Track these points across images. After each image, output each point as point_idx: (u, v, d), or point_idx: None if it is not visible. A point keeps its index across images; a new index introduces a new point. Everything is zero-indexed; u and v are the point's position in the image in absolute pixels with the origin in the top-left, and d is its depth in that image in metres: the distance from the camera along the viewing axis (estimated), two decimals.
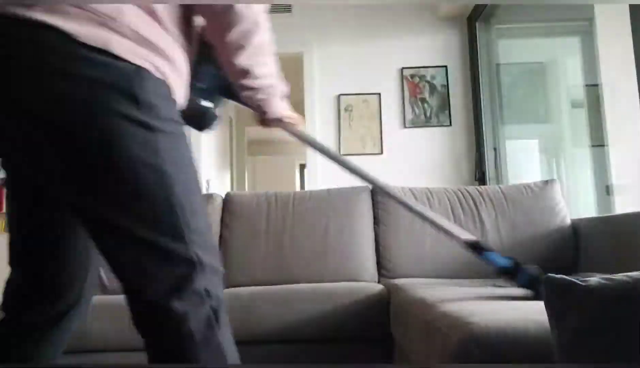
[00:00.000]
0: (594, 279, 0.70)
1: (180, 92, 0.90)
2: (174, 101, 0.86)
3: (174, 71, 0.86)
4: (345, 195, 2.25)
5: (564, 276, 0.72)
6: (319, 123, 3.99)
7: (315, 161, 3.94)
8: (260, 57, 0.96)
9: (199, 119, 1.14)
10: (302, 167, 7.94)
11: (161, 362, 0.80)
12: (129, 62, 0.77)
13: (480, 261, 2.10)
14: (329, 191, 2.28)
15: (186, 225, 0.80)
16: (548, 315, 0.73)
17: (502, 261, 1.32)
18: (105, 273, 2.13)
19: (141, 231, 0.78)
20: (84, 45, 0.73)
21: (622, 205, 2.80)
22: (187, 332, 0.77)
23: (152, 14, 0.81)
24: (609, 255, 1.87)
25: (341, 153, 4.07)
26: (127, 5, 0.78)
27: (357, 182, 2.48)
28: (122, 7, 0.77)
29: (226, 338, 0.83)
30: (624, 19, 2.40)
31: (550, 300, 0.73)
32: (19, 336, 0.93)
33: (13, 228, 0.95)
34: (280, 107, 1.12)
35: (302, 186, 8.20)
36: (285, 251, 2.11)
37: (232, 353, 0.84)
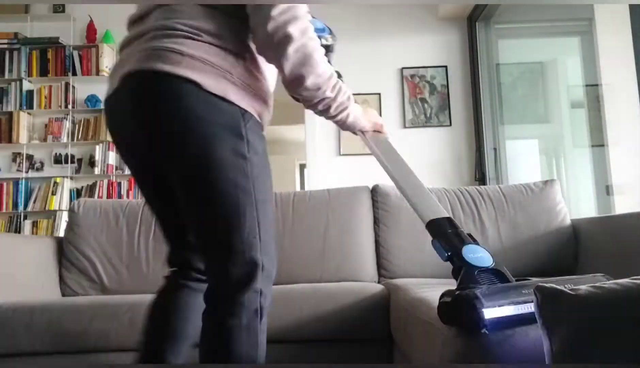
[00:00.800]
0: (584, 288, 0.70)
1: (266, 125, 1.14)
2: (264, 137, 1.09)
3: (266, 110, 1.10)
4: (345, 195, 2.25)
5: (554, 286, 0.72)
6: (319, 123, 3.99)
7: (315, 161, 3.94)
8: (328, 95, 1.11)
9: None
10: (302, 167, 7.94)
11: (210, 332, 1.01)
12: (239, 107, 1.01)
13: None
14: (329, 191, 2.28)
15: (259, 237, 1.03)
16: (539, 324, 0.73)
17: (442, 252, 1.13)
18: (105, 273, 2.14)
19: (227, 236, 1.01)
20: (209, 92, 0.97)
21: (622, 205, 2.80)
22: (238, 315, 1.00)
23: (257, 68, 1.07)
24: (609, 255, 1.87)
25: (341, 153, 4.07)
26: (238, 59, 1.02)
27: (357, 182, 2.48)
28: (235, 62, 1.02)
29: (263, 331, 1.06)
30: (624, 19, 2.40)
31: (541, 309, 0.72)
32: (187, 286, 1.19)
33: (152, 209, 1.24)
34: (358, 123, 1.28)
35: (302, 186, 8.20)
36: (285, 251, 2.11)
37: (263, 346, 1.06)
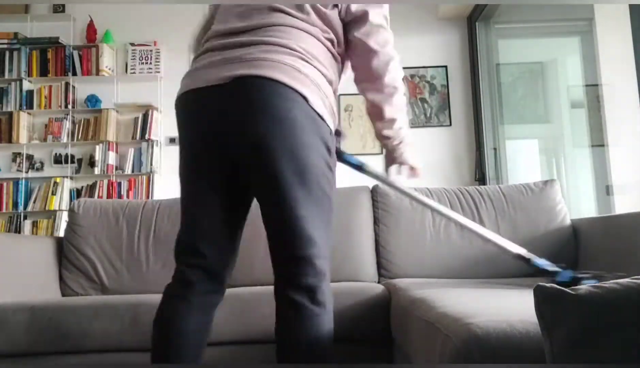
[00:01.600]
0: (584, 287, 0.70)
1: None
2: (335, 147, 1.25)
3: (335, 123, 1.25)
4: (345, 195, 2.24)
5: (554, 285, 0.71)
6: None
7: None
8: (400, 110, 1.33)
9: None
10: None
11: (305, 320, 1.16)
12: (326, 123, 1.16)
13: (480, 261, 2.10)
14: None
15: (329, 242, 1.22)
16: (539, 325, 0.72)
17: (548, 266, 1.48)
18: (105, 273, 2.14)
19: (318, 231, 1.19)
20: (312, 108, 1.12)
21: (622, 205, 2.80)
22: (324, 302, 1.20)
23: (335, 90, 1.24)
24: (609, 255, 1.87)
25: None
26: (332, 88, 1.20)
27: (357, 182, 2.48)
28: (330, 89, 1.19)
29: (331, 325, 1.22)
30: (624, 19, 2.40)
31: (541, 309, 0.72)
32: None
33: (192, 212, 1.25)
34: (408, 157, 1.37)
35: None
36: None
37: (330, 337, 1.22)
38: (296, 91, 1.10)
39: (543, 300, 0.72)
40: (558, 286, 0.71)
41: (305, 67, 1.13)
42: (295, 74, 1.11)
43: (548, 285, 0.72)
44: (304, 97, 1.11)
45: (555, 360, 0.68)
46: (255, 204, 1.24)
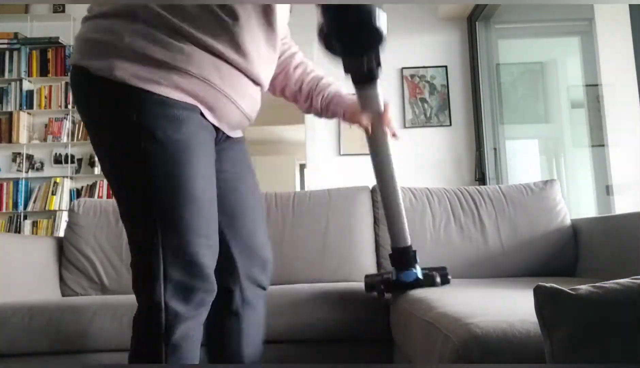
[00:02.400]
0: (584, 287, 0.69)
1: None
2: (176, 117, 1.01)
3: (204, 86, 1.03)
4: (345, 195, 2.25)
5: (554, 285, 0.71)
6: (318, 123, 3.98)
7: (315, 161, 3.94)
8: None
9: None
10: (302, 167, 7.94)
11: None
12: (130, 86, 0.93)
13: (480, 261, 2.10)
14: (329, 191, 2.28)
15: (144, 233, 0.97)
16: (540, 325, 0.72)
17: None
18: (105, 273, 2.14)
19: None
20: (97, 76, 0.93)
21: (622, 205, 2.80)
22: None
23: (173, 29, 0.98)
24: (609, 255, 1.87)
25: (341, 153, 4.07)
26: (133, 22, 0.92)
27: (357, 182, 2.48)
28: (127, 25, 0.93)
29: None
30: (624, 19, 2.40)
31: (541, 309, 0.72)
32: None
33: None
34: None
35: (302, 186, 8.20)
36: (285, 252, 2.11)
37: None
38: (76, 67, 0.97)
39: (543, 300, 0.71)
40: (557, 287, 0.71)
41: (82, 30, 0.99)
42: (76, 45, 0.99)
43: (548, 285, 0.72)
44: (81, 68, 0.95)
45: (556, 360, 0.68)
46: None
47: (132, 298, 1.00)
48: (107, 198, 4.15)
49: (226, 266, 1.12)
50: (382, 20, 0.99)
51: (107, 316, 1.65)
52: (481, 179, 3.82)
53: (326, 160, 4.07)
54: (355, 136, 3.84)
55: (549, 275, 1.99)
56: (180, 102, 0.94)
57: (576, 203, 3.37)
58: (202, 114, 0.99)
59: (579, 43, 3.42)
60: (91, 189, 4.21)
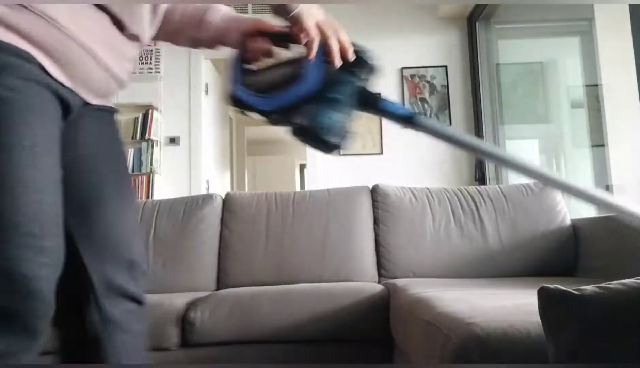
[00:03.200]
0: (589, 288, 0.69)
1: None
2: None
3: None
4: (345, 195, 2.25)
5: (558, 286, 0.71)
6: None
7: (315, 161, 3.94)
8: None
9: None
10: (302, 167, 7.94)
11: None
12: None
13: (480, 261, 2.10)
14: (329, 191, 2.28)
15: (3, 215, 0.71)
16: (543, 326, 0.72)
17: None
18: None
19: None
20: None
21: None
22: None
23: None
24: (609, 254, 1.87)
25: (341, 153, 4.07)
26: None
27: (357, 182, 2.48)
28: None
29: None
30: (624, 19, 2.40)
31: (545, 311, 0.72)
32: None
33: None
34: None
35: (302, 186, 8.20)
36: (285, 251, 2.11)
37: None
38: None
39: (547, 302, 0.71)
40: (562, 288, 0.70)
41: None
42: None
43: (552, 286, 0.71)
44: None
45: (560, 361, 0.67)
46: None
47: None
48: None
49: (72, 272, 0.82)
50: (336, 131, 0.94)
51: None
52: (481, 179, 3.82)
53: (326, 160, 4.07)
54: (356, 136, 3.84)
55: (549, 274, 1.99)
56: (3, 44, 0.70)
57: (576, 203, 3.37)
58: (42, 67, 0.74)
59: (579, 43, 3.42)
60: None
